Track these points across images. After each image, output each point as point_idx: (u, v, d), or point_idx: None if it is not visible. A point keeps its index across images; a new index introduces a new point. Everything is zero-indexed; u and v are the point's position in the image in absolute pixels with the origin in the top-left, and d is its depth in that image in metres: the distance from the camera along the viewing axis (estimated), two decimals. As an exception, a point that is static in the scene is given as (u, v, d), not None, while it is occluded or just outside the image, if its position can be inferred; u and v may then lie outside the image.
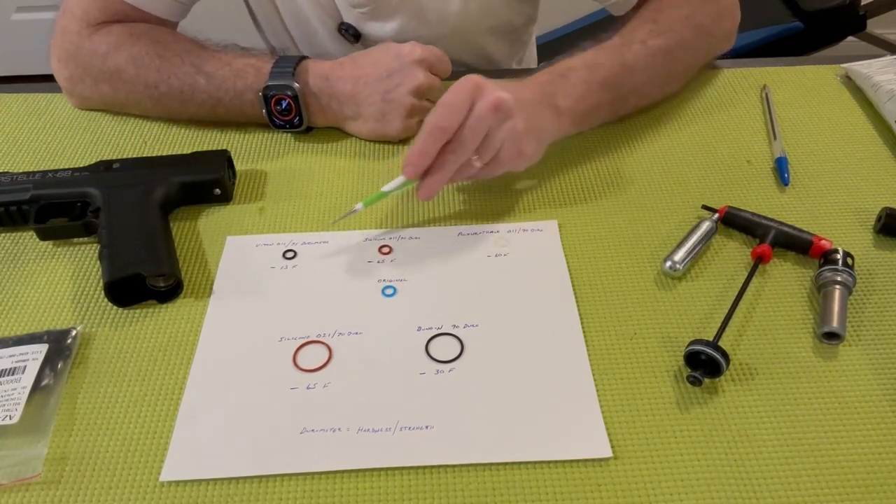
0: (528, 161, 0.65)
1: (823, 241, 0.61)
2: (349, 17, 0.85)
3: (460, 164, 0.61)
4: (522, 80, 0.67)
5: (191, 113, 0.76)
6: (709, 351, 0.52)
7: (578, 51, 0.72)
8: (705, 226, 0.63)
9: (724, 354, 0.52)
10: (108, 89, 0.76)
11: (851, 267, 0.58)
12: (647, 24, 0.74)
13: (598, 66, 0.70)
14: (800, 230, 0.62)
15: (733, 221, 0.65)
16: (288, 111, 0.73)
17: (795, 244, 0.62)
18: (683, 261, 0.60)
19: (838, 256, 0.59)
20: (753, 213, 0.64)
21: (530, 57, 1.06)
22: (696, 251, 0.61)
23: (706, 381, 0.52)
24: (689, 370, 0.52)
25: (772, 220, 0.63)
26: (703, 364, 0.52)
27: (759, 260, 0.61)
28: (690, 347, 0.53)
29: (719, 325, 0.55)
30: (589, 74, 0.69)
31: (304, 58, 0.74)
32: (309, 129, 0.76)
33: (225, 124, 0.77)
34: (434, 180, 0.61)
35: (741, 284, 0.58)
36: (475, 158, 0.61)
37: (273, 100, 0.72)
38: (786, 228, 0.62)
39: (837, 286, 0.57)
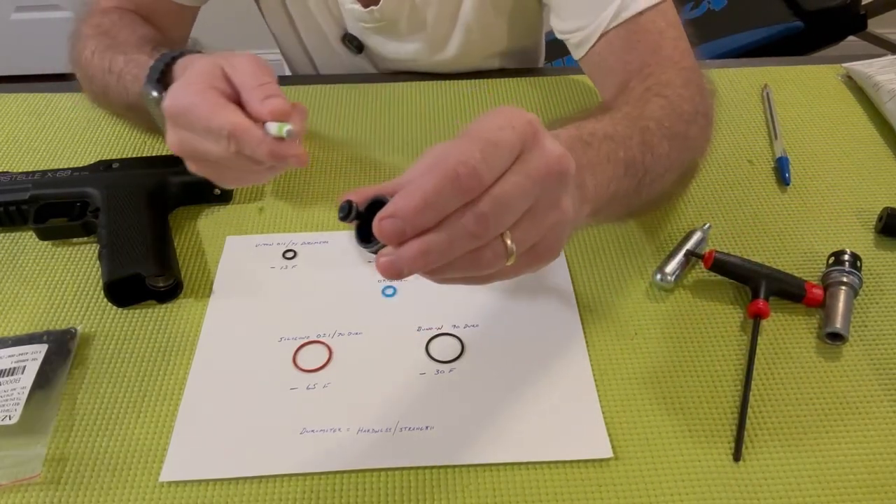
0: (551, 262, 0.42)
1: (816, 290, 0.57)
2: (354, 29, 0.85)
3: (476, 246, 0.36)
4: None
5: (117, 113, 0.73)
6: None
7: (595, 112, 0.55)
8: (696, 236, 0.61)
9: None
10: (85, 86, 0.73)
11: (859, 269, 0.58)
12: (657, 98, 0.58)
13: (620, 140, 0.51)
14: (792, 276, 0.58)
15: (722, 268, 0.59)
16: None
17: (788, 292, 0.58)
18: (674, 272, 0.59)
19: (846, 258, 0.59)
20: (742, 259, 0.59)
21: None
22: (687, 262, 0.60)
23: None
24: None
25: (762, 266, 0.58)
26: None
27: (757, 318, 0.56)
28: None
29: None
30: (613, 149, 0.50)
31: (179, 56, 0.58)
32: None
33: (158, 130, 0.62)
34: (418, 255, 0.35)
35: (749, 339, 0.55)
36: (510, 243, 0.37)
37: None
38: (778, 275, 0.58)
39: (843, 287, 0.57)
